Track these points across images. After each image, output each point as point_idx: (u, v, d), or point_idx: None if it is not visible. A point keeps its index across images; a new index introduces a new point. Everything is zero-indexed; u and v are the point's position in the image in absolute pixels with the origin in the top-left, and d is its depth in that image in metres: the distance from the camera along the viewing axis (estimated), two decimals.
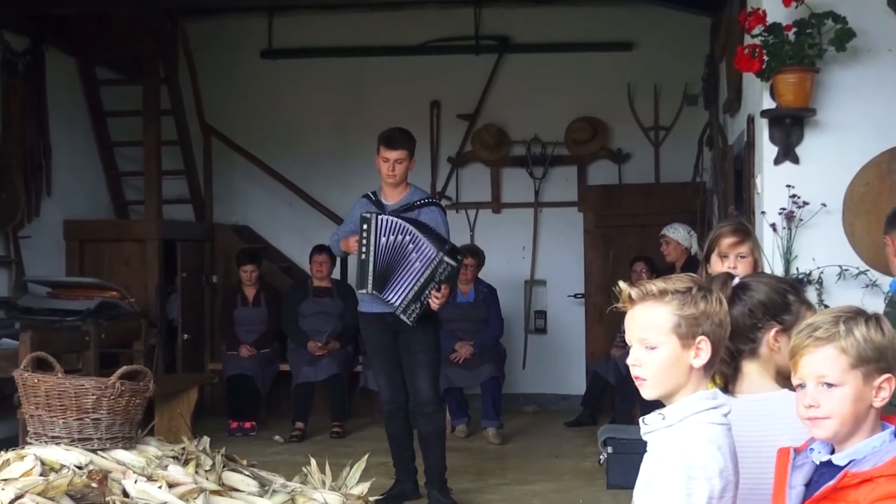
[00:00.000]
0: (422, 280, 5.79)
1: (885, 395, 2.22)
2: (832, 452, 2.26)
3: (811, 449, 2.28)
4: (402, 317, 5.85)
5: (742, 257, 3.97)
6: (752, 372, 2.61)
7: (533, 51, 9.91)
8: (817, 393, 2.22)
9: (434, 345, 6.09)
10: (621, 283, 2.36)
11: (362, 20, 9.97)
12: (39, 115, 8.36)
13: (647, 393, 2.34)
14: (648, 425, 2.35)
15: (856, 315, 2.24)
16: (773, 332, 2.62)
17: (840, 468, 2.22)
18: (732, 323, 2.43)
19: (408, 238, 5.80)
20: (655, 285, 2.31)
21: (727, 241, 3.99)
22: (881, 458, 2.18)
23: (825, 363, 2.21)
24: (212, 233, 9.69)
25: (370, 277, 5.84)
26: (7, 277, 7.95)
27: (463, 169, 10.15)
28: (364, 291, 5.91)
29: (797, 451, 2.31)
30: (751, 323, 2.63)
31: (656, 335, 2.29)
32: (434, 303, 5.84)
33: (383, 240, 5.81)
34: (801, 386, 2.26)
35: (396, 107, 9.78)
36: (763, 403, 2.54)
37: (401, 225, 5.83)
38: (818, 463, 2.26)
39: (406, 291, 5.81)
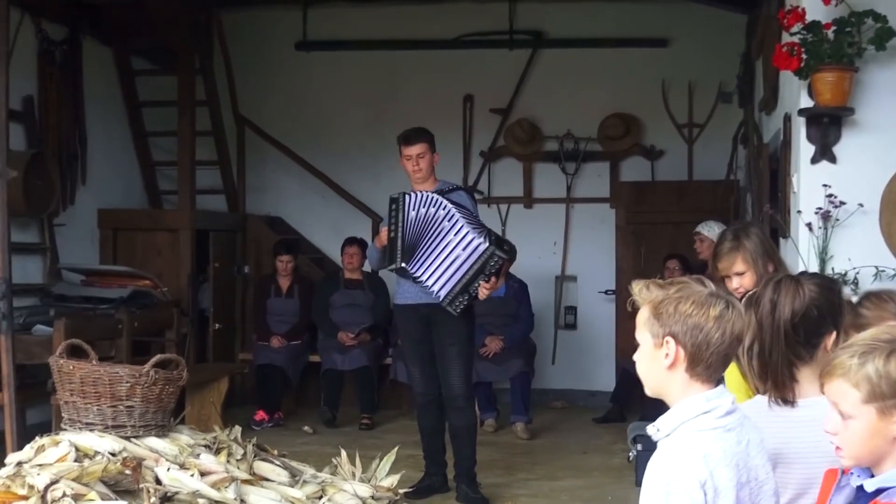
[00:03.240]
0: (471, 272, 5.74)
1: None
2: (872, 476, 2.20)
3: (852, 472, 2.24)
4: (449, 308, 5.79)
5: (739, 274, 3.89)
6: (807, 377, 2.59)
7: (567, 46, 9.89)
8: (836, 420, 2.19)
9: (468, 339, 6.07)
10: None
11: (397, 13, 9.96)
12: (75, 104, 8.41)
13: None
14: (652, 437, 2.35)
15: (883, 345, 2.15)
16: (832, 337, 2.61)
17: (870, 494, 2.17)
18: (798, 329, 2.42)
19: (442, 212, 5.77)
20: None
21: (720, 267, 3.92)
22: None
23: (839, 395, 2.17)
24: (244, 223, 9.74)
25: (399, 251, 5.78)
26: (42, 265, 8.01)
27: (495, 163, 10.14)
28: (393, 266, 5.84)
29: (844, 472, 2.28)
30: (816, 329, 2.60)
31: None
32: (483, 293, 5.81)
33: (412, 213, 5.80)
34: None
35: (429, 100, 9.79)
36: (814, 408, 2.52)
37: (432, 198, 5.82)
38: (855, 486, 2.23)
39: (449, 280, 5.74)
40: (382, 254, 6.00)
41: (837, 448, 2.19)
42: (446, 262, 5.76)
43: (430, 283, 5.79)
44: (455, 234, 5.77)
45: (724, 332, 2.27)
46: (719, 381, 2.39)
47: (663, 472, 2.23)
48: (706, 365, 2.29)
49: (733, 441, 2.29)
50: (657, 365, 2.33)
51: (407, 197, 5.86)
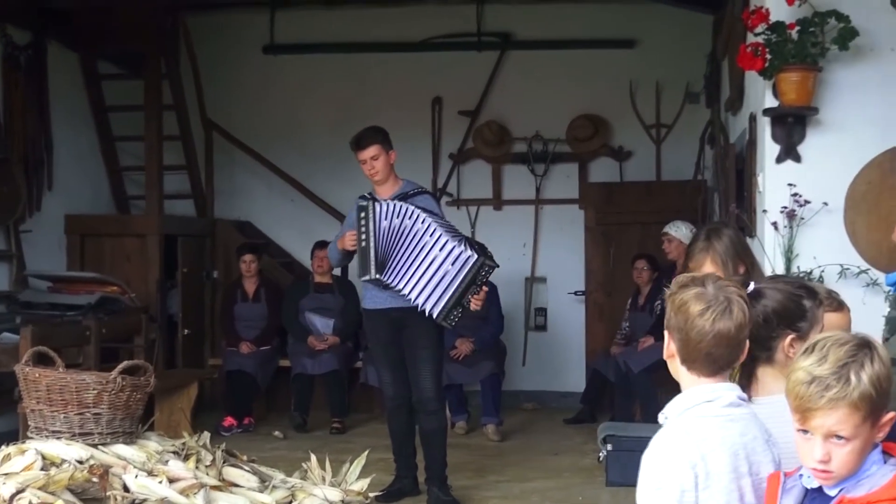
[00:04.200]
0: (463, 284, 5.72)
1: (886, 430, 2.19)
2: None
3: (800, 475, 2.26)
4: (444, 323, 5.78)
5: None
6: (767, 376, 2.62)
7: (535, 48, 9.91)
8: (828, 446, 2.15)
9: (438, 342, 6.05)
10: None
11: (364, 16, 9.96)
12: (41, 109, 8.35)
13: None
14: (660, 423, 2.41)
15: (857, 353, 2.15)
16: (788, 339, 2.63)
17: (830, 497, 2.19)
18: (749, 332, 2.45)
19: (420, 225, 5.73)
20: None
21: (690, 266, 3.92)
22: (875, 482, 2.15)
23: (839, 423, 2.13)
24: (213, 228, 9.70)
25: (372, 262, 5.73)
26: (8, 272, 7.95)
27: (464, 165, 10.16)
28: (367, 277, 5.80)
29: (787, 475, 2.29)
30: (766, 333, 2.63)
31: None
32: (476, 304, 5.81)
33: (384, 223, 5.74)
34: (805, 431, 2.19)
35: (398, 103, 9.80)
36: (776, 406, 2.54)
37: (406, 210, 5.77)
38: (808, 488, 2.24)
39: (442, 295, 5.71)
40: (344, 255, 6.03)
41: (825, 472, 2.16)
42: (435, 277, 5.71)
43: (418, 299, 5.74)
44: (440, 250, 5.72)
45: (703, 330, 2.33)
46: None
47: (658, 451, 2.30)
48: (692, 360, 2.37)
49: (736, 432, 2.33)
50: (667, 356, 2.44)
51: (377, 206, 5.79)
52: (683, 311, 2.35)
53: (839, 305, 3.09)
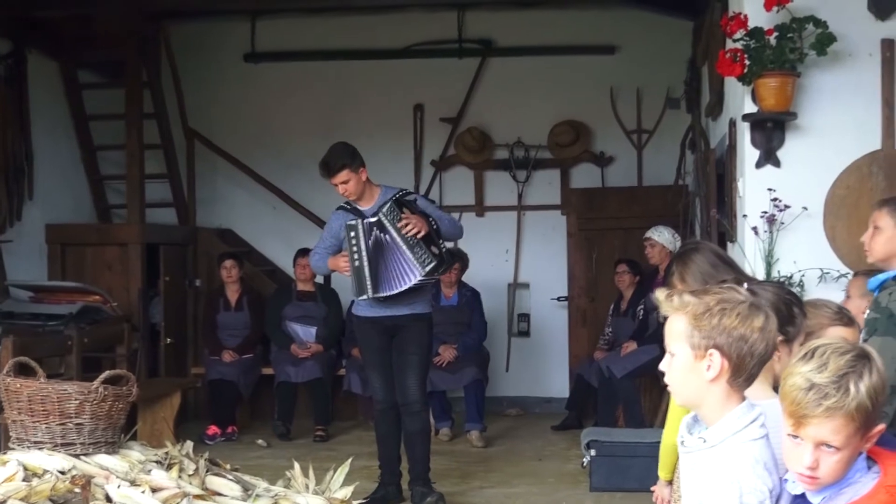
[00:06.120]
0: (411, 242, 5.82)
1: (874, 441, 2.19)
2: None
3: (785, 480, 2.27)
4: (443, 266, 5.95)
5: None
6: None
7: (516, 54, 9.94)
8: (818, 453, 2.15)
9: (427, 347, 6.19)
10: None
11: (345, 24, 9.96)
12: (21, 118, 8.32)
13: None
14: (688, 447, 2.35)
15: (856, 363, 2.14)
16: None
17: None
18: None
19: (400, 237, 5.82)
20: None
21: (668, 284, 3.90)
22: (857, 490, 2.16)
23: (833, 432, 2.13)
24: (195, 236, 9.67)
25: (368, 282, 5.85)
26: None
27: (446, 172, 10.16)
28: (365, 297, 5.91)
29: None
30: None
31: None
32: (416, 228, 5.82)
33: (371, 241, 5.84)
34: (795, 437, 2.18)
35: (380, 110, 9.81)
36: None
37: (384, 222, 5.86)
38: (792, 494, 2.25)
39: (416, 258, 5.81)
40: (353, 279, 6.00)
41: (812, 479, 2.17)
42: (405, 262, 5.83)
43: (407, 283, 5.84)
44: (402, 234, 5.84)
45: (768, 343, 2.29)
46: None
47: (735, 483, 2.23)
48: (748, 376, 2.30)
49: (772, 446, 2.31)
50: (696, 377, 2.30)
51: (365, 224, 5.87)
52: (743, 327, 2.26)
53: (849, 321, 3.08)
